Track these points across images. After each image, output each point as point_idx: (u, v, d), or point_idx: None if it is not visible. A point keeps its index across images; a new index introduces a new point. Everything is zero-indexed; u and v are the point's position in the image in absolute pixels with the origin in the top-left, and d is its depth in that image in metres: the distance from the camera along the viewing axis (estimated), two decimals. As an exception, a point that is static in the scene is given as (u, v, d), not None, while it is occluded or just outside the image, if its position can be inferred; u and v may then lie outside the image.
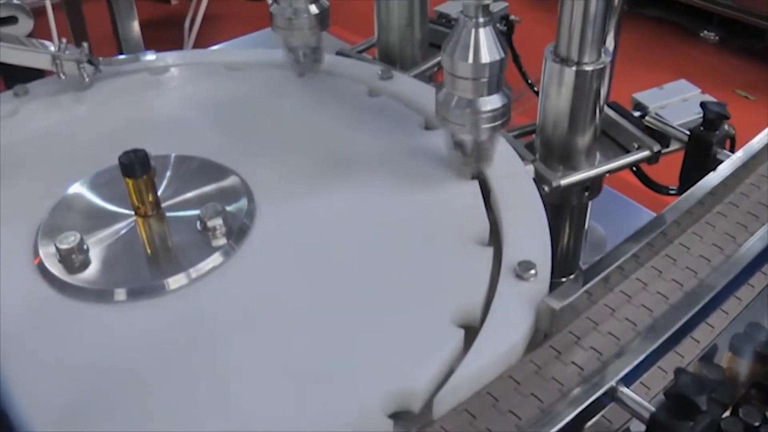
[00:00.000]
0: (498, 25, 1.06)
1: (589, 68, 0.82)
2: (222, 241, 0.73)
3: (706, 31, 3.57)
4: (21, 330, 0.67)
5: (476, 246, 0.73)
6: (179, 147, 0.86)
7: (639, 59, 3.23)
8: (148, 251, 0.74)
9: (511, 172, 0.81)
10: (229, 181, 0.80)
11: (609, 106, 0.93)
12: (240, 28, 4.02)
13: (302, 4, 0.94)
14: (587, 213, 0.96)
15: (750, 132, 1.02)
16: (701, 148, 0.84)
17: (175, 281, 0.69)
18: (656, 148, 0.87)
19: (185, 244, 0.73)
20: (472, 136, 0.77)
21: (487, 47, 0.71)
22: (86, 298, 0.69)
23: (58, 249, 0.72)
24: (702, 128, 0.85)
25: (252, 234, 0.74)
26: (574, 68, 0.82)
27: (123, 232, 0.75)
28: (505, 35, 1.11)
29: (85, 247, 0.73)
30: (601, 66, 0.82)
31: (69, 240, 0.72)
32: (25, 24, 1.01)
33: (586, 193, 0.90)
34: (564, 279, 0.98)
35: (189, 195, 0.79)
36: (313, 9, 0.94)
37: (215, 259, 0.71)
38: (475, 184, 0.80)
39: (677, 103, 0.94)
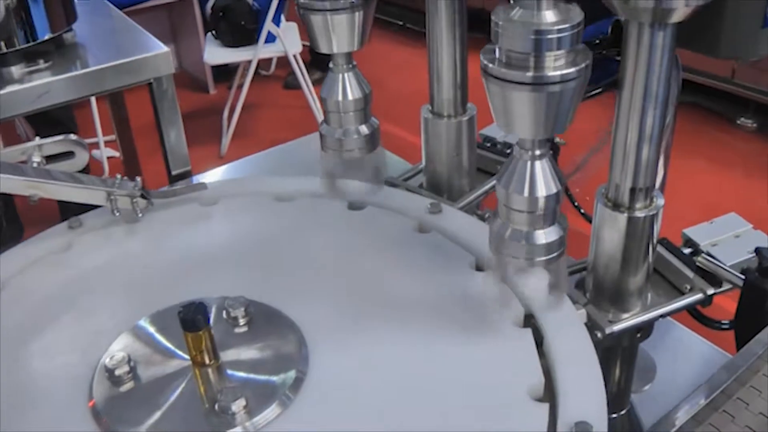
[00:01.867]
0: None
1: (641, 214, 0.82)
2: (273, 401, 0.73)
3: (743, 118, 3.57)
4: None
5: (533, 404, 0.72)
6: (230, 284, 0.87)
7: (675, 147, 3.22)
8: (205, 405, 0.73)
9: (565, 319, 0.80)
10: (284, 330, 0.81)
11: (660, 243, 0.92)
12: (277, 115, 4.13)
13: (352, 125, 0.94)
14: (637, 351, 0.94)
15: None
16: (756, 297, 0.83)
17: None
18: (709, 291, 0.86)
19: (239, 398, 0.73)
20: (527, 268, 0.76)
21: (543, 180, 0.70)
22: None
23: (112, 398, 0.73)
24: (757, 274, 0.84)
25: (306, 387, 0.75)
26: (625, 214, 0.82)
27: (179, 382, 0.76)
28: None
29: (141, 397, 0.74)
30: (654, 212, 0.82)
31: (125, 386, 0.74)
32: (81, 158, 1.04)
33: (638, 335, 0.89)
34: (615, 414, 0.97)
35: (245, 344, 0.79)
36: (364, 129, 0.95)
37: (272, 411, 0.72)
38: (529, 334, 0.79)
39: (729, 239, 0.93)
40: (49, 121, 2.61)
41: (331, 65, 0.92)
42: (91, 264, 0.94)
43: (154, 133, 1.62)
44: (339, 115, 0.92)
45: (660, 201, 0.83)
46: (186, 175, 1.58)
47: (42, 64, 1.47)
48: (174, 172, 1.56)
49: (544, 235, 0.73)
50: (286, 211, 1.02)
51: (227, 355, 0.78)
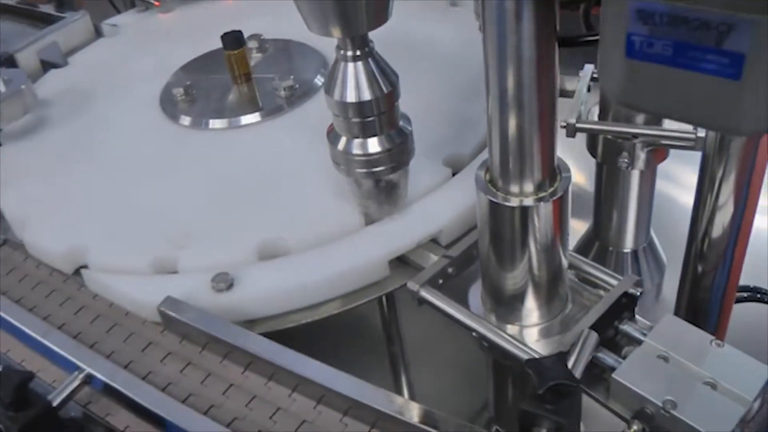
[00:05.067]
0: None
1: (515, 203, 0.58)
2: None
3: None
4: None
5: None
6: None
7: None
8: (228, 101, 0.98)
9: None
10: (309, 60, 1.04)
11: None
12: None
13: None
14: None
15: None
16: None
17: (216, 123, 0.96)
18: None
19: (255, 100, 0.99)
20: (349, 178, 0.74)
21: (356, 84, 0.66)
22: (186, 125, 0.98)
23: (173, 94, 1.01)
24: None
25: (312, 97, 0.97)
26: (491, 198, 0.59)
27: (220, 87, 1.01)
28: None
29: (192, 92, 1.01)
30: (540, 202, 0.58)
31: (181, 90, 1.01)
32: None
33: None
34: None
35: (275, 68, 1.03)
36: None
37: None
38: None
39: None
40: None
41: None
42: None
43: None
44: None
45: (566, 182, 0.59)
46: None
47: None
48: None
49: (363, 146, 0.70)
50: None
51: (261, 75, 1.01)
